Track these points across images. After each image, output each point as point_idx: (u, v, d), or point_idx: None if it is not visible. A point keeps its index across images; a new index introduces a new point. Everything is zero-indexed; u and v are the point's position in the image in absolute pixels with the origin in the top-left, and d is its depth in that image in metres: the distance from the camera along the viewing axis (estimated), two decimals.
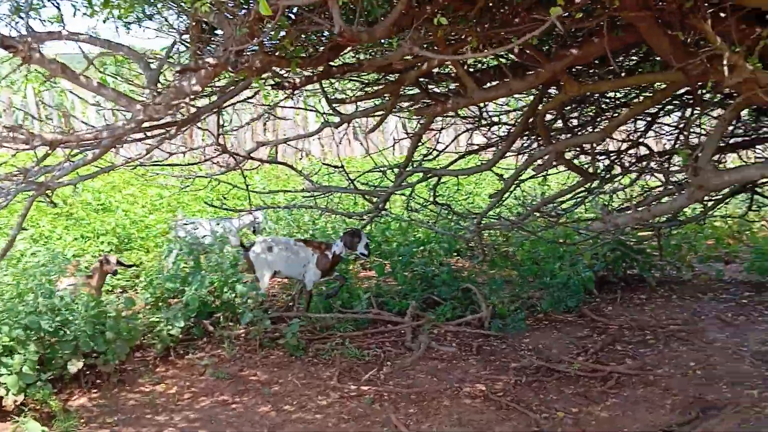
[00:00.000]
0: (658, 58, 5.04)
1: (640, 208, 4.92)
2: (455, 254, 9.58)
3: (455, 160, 7.18)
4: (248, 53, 3.10)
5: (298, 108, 6.69)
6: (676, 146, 6.88)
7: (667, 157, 6.90)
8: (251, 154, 5.95)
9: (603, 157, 6.78)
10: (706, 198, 7.06)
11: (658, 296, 8.16)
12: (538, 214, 6.46)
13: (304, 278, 7.17)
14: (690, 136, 7.08)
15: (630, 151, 6.81)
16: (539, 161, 5.42)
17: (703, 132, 7.01)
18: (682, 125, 6.69)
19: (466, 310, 7.36)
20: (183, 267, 7.30)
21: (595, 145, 5.62)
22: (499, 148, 5.99)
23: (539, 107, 5.29)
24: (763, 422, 4.99)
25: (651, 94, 5.33)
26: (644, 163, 6.88)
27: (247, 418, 5.23)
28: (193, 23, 3.28)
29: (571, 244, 8.18)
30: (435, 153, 7.28)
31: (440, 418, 5.18)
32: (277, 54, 3.24)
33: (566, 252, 8.34)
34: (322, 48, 3.78)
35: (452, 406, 5.38)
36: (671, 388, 5.62)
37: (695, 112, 6.57)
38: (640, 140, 6.67)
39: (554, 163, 5.44)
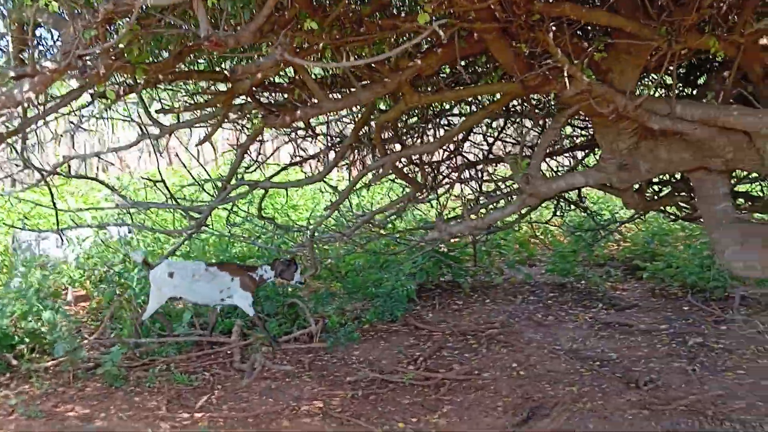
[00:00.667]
0: (481, 70, 5.25)
1: (473, 216, 5.05)
2: None
3: (278, 172, 6.99)
4: (89, 58, 2.75)
5: (114, 118, 6.15)
6: (489, 156, 7.16)
7: (481, 166, 7.17)
8: (57, 169, 5.40)
9: (425, 166, 6.91)
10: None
11: (473, 301, 8.49)
12: (366, 226, 6.45)
13: (234, 304, 6.79)
14: (501, 146, 7.46)
15: (449, 161, 7.00)
16: (373, 172, 5.40)
17: (513, 141, 7.36)
18: (495, 135, 6.98)
19: (293, 326, 7.20)
20: None
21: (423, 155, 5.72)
22: (331, 160, 5.89)
23: (371, 118, 5.28)
24: (586, 417, 5.31)
25: (483, 106, 5.51)
26: (461, 172, 7.08)
27: None
28: (16, 25, 2.85)
29: (392, 254, 8.28)
30: (254, 165, 7.06)
31: None
32: (121, 59, 2.91)
33: (386, 262, 8.44)
34: (166, 54, 3.48)
35: (292, 426, 5.19)
36: (500, 391, 5.83)
37: (508, 122, 6.91)
38: (459, 150, 6.88)
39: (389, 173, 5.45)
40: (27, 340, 6.11)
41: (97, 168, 14.62)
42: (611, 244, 10.82)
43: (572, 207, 8.23)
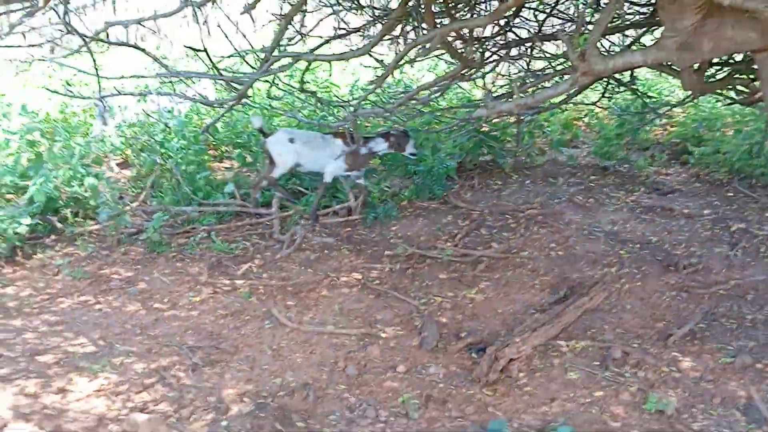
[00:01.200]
0: None
1: (522, 95, 4.91)
2: None
3: (321, 45, 6.81)
4: None
5: None
6: (540, 33, 6.88)
7: (530, 44, 6.92)
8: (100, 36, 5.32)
9: (474, 42, 6.68)
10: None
11: (513, 181, 8.41)
12: (410, 102, 6.32)
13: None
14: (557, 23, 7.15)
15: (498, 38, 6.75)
16: (421, 46, 5.22)
17: (565, 19, 7.05)
18: (548, 12, 6.67)
19: (332, 200, 7.24)
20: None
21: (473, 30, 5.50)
22: (377, 33, 5.69)
23: None
24: (624, 297, 5.34)
25: None
26: (510, 49, 6.84)
27: (115, 318, 4.87)
28: None
29: (432, 132, 8.16)
30: (296, 38, 6.90)
31: (321, 309, 5.09)
32: None
33: (426, 140, 8.34)
34: None
35: (331, 296, 5.31)
36: (537, 269, 5.85)
37: None
38: (509, 26, 6.61)
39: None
40: (71, 204, 6.23)
41: (135, 38, 14.36)
42: (657, 129, 10.54)
43: (621, 89, 7.98)
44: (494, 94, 6.79)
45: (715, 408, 3.98)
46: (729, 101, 6.23)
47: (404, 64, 6.35)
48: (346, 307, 5.14)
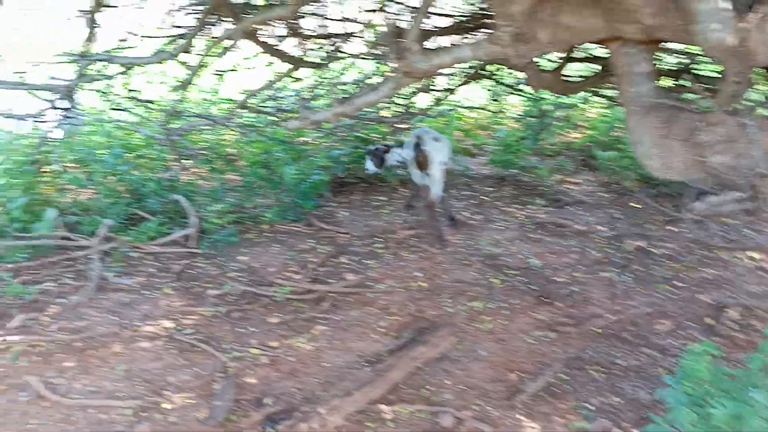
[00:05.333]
0: None
1: (342, 101, 4.02)
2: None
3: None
4: None
5: None
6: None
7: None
8: None
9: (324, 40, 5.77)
10: (435, 88, 6.37)
11: (400, 197, 7.53)
12: (244, 109, 5.41)
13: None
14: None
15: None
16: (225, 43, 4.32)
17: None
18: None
19: (178, 226, 6.26)
20: None
21: (290, 23, 4.62)
22: (189, 33, 4.78)
23: None
24: (479, 340, 4.47)
25: None
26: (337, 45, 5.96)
27: None
28: None
29: (304, 144, 7.23)
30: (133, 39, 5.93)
31: (104, 372, 4.09)
32: None
33: (299, 153, 7.39)
34: None
35: (125, 353, 4.31)
36: (389, 307, 4.95)
37: None
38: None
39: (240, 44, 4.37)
40: None
41: None
42: (568, 132, 9.73)
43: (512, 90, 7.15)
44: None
45: None
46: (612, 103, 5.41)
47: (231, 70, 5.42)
48: (137, 367, 4.15)
